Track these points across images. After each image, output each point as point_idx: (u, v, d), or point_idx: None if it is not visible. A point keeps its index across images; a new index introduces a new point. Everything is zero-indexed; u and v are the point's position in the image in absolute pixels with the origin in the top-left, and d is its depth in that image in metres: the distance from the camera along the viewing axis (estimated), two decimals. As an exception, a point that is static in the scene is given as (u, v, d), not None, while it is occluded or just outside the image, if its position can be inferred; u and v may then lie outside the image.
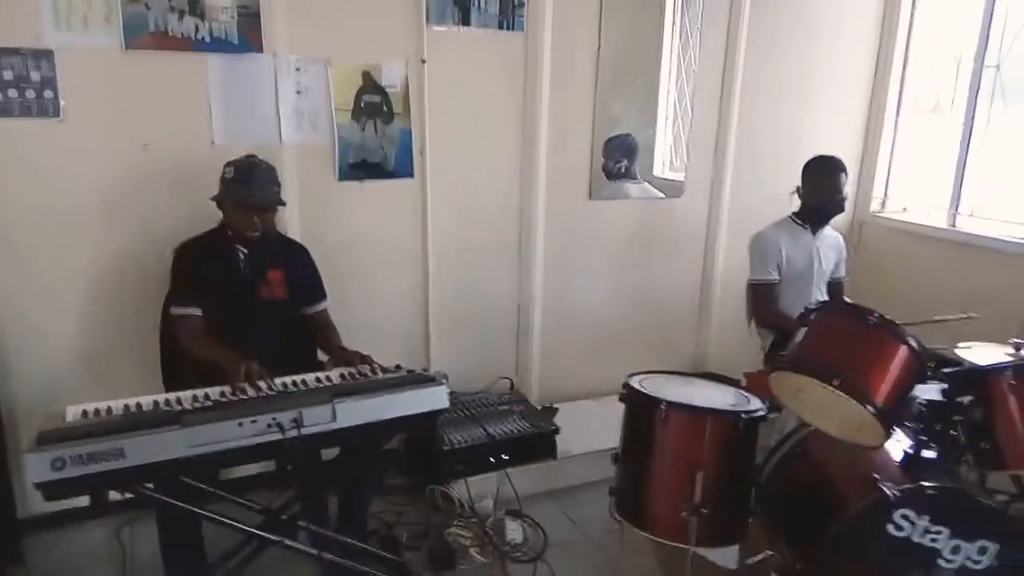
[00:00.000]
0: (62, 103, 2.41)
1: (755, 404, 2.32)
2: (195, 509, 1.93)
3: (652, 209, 3.67)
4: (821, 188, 2.98)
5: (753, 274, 3.07)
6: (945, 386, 2.11)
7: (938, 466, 2.07)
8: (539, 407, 3.39)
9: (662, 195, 3.71)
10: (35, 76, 2.34)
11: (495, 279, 3.35)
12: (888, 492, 1.94)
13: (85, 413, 1.88)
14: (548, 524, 2.84)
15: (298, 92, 2.74)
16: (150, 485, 1.84)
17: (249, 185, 2.30)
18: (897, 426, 2.03)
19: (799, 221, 3.07)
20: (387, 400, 2.03)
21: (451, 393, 3.16)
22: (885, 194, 4.23)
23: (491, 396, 3.27)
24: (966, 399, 2.07)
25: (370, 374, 2.22)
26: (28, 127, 2.40)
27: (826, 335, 2.06)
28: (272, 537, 2.10)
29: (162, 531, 2.14)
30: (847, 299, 3.16)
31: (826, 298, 3.16)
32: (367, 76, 2.85)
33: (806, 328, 2.09)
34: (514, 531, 2.74)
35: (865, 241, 4.24)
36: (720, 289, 3.81)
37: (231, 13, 2.57)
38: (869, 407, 1.90)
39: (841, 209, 3.03)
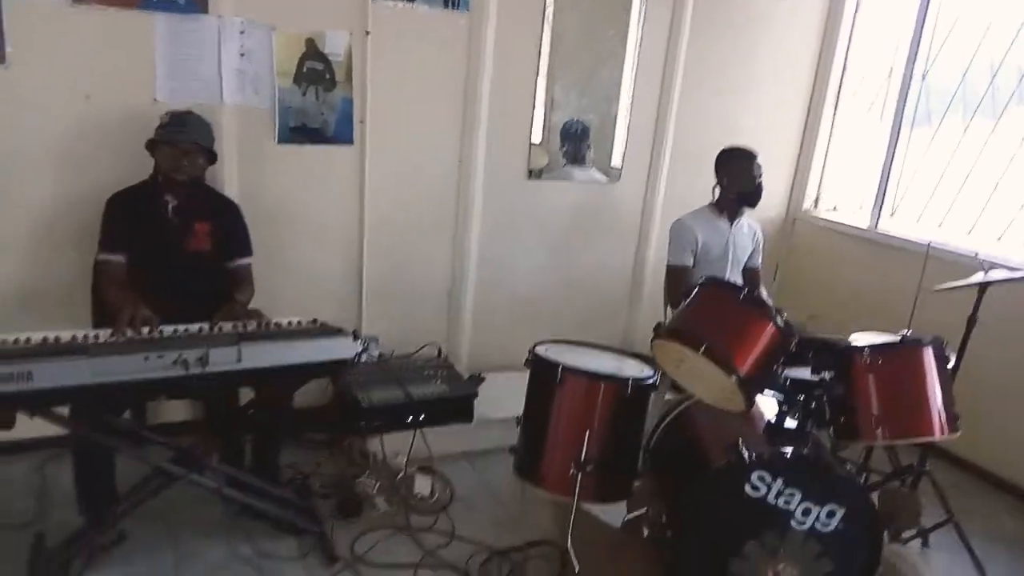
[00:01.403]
0: (8, 50, 2.51)
1: (646, 373, 2.50)
2: (93, 434, 2.06)
3: (590, 192, 3.82)
4: (738, 174, 3.10)
5: (670, 258, 3.23)
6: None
7: (799, 435, 2.25)
8: (467, 375, 3.54)
9: (605, 179, 3.87)
10: (-19, 22, 2.45)
11: (430, 249, 3.49)
12: (746, 453, 2.12)
13: (4, 341, 2.01)
14: (457, 481, 3.01)
15: (242, 55, 2.86)
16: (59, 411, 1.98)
17: (181, 128, 2.45)
18: (762, 395, 2.21)
19: (717, 210, 3.23)
20: (292, 346, 2.17)
21: (380, 355, 3.37)
22: (818, 193, 4.43)
23: (419, 360, 3.41)
24: (828, 375, 2.24)
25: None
26: (-26, 70, 2.50)
27: (701, 308, 2.23)
28: (175, 470, 2.23)
29: (75, 460, 2.28)
30: (762, 289, 3.35)
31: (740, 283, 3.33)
32: (311, 43, 2.97)
33: (686, 301, 2.27)
34: (422, 485, 2.90)
35: (797, 236, 4.44)
36: (652, 272, 3.98)
37: (177, -27, 2.68)
38: (732, 375, 2.08)
39: (758, 196, 3.15)
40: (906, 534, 2.75)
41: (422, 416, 3.06)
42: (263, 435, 2.61)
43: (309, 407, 3.13)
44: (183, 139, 2.44)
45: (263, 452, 2.63)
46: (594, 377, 2.41)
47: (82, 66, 2.63)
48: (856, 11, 4.12)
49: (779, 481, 2.13)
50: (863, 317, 3.41)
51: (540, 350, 2.58)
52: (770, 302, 3.12)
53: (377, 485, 2.83)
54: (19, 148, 2.63)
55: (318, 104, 3.03)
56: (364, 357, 3.28)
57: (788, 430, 2.26)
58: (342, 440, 3.13)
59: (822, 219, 4.35)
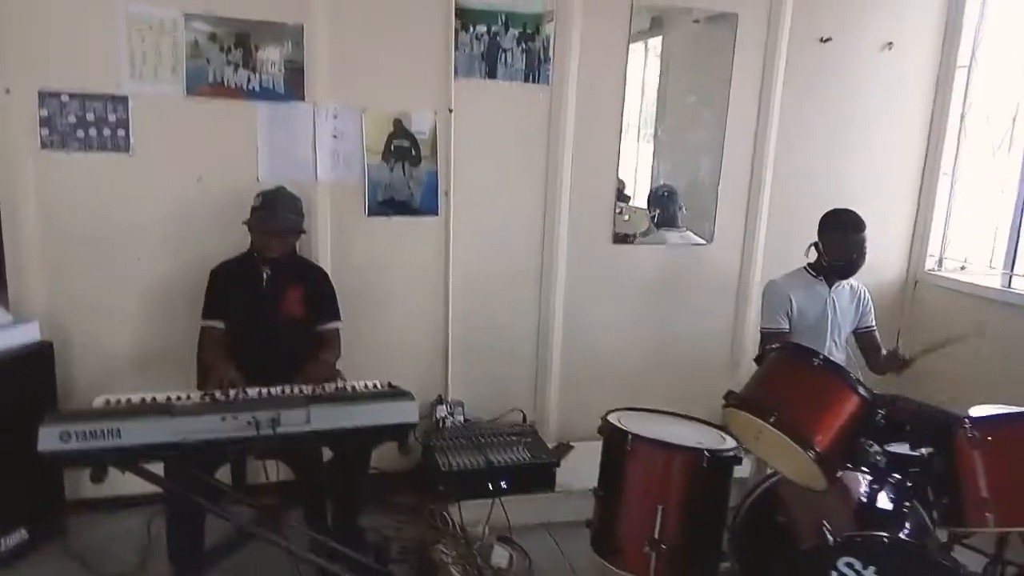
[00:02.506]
0: (132, 141, 2.84)
1: (727, 444, 2.35)
2: (181, 491, 2.19)
3: (682, 255, 3.73)
4: (836, 248, 2.94)
5: (763, 322, 3.08)
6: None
7: (894, 517, 2.03)
8: (553, 443, 3.49)
9: (702, 240, 3.78)
10: (112, 117, 2.80)
11: (515, 315, 3.52)
12: (829, 538, 1.93)
13: (107, 401, 2.21)
14: (536, 553, 2.92)
15: (334, 136, 3.08)
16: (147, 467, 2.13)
17: (270, 212, 2.65)
18: (844, 471, 2.02)
19: (813, 272, 3.05)
20: (358, 409, 2.23)
21: (465, 420, 3.40)
22: (942, 250, 4.09)
23: (503, 427, 3.41)
24: (927, 451, 2.02)
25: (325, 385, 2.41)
26: (106, 160, 2.85)
27: (774, 374, 2.09)
28: (255, 530, 2.32)
29: (167, 516, 2.43)
30: (882, 348, 3.11)
31: (842, 352, 3.10)
32: (398, 123, 3.15)
33: (759, 368, 2.13)
34: (500, 556, 2.83)
35: (919, 300, 4.09)
36: (751, 337, 3.78)
37: (279, 67, 2.95)
38: (809, 450, 1.92)
39: (855, 269, 2.97)
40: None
41: (502, 483, 3.04)
42: (342, 497, 2.67)
43: (398, 471, 3.18)
44: (272, 225, 2.65)
45: (343, 514, 2.68)
46: (667, 447, 2.30)
47: (195, 151, 2.94)
48: (974, 48, 3.84)
49: (871, 569, 1.92)
50: (995, 390, 3.06)
51: (613, 417, 2.50)
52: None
53: (454, 553, 2.80)
54: (138, 226, 2.94)
55: (405, 178, 3.19)
56: (449, 422, 3.38)
57: (881, 511, 2.03)
58: (424, 504, 3.14)
59: (947, 278, 3.98)
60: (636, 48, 3.48)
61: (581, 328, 3.61)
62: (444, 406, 3.38)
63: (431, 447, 3.18)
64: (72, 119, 2.77)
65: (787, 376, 2.07)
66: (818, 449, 1.91)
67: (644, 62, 3.58)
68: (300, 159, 3.04)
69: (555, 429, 3.62)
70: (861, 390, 1.96)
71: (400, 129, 3.16)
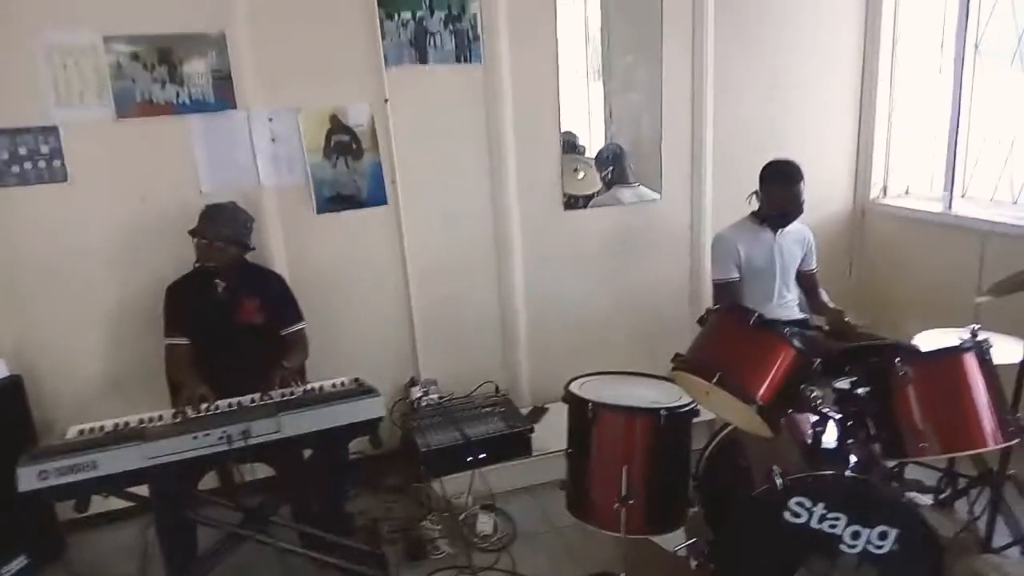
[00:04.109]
0: (69, 169, 2.84)
1: (684, 400, 2.46)
2: (164, 508, 2.27)
3: (634, 214, 3.80)
4: (777, 198, 3.03)
5: (714, 273, 3.18)
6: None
7: (838, 455, 2.16)
8: (527, 408, 3.60)
9: (655, 196, 3.85)
10: (44, 149, 2.79)
11: (476, 291, 3.59)
12: (779, 480, 2.06)
13: (81, 432, 2.29)
14: (520, 517, 3.07)
15: (273, 139, 3.08)
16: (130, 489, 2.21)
17: (205, 223, 2.71)
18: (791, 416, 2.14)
19: (757, 220, 3.14)
20: (326, 411, 2.32)
21: (439, 398, 3.49)
22: (885, 178, 4.19)
23: (477, 399, 3.51)
24: (864, 391, 2.14)
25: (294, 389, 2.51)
26: (46, 192, 2.85)
27: (714, 335, 2.19)
28: (243, 532, 2.43)
29: (157, 527, 2.52)
30: (822, 292, 3.23)
31: (792, 293, 3.22)
32: (335, 119, 3.16)
33: (702, 329, 2.23)
34: (484, 523, 2.97)
35: (868, 228, 4.21)
36: (709, 287, 3.88)
37: (206, 78, 2.94)
38: (751, 404, 2.03)
39: (796, 216, 3.07)
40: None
41: (481, 455, 3.15)
42: (325, 489, 2.77)
43: (383, 453, 3.27)
44: (208, 234, 2.70)
45: (329, 504, 2.79)
46: (625, 411, 2.41)
47: (134, 173, 2.93)
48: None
49: (820, 506, 2.06)
50: (941, 310, 3.21)
51: (574, 386, 2.60)
52: (831, 305, 3.09)
53: (440, 527, 2.93)
54: (87, 250, 2.95)
55: (349, 172, 3.22)
56: (424, 401, 3.48)
57: (826, 451, 2.17)
58: (409, 483, 3.26)
59: (892, 206, 4.10)
60: (576, 6, 3.49)
61: (542, 295, 3.70)
62: (418, 387, 3.47)
63: (409, 428, 3.28)
64: (5, 155, 2.75)
65: (726, 336, 2.17)
66: (760, 402, 2.02)
67: (585, 14, 3.57)
68: (241, 167, 3.05)
69: (528, 394, 3.74)
70: (795, 343, 2.06)
71: (338, 124, 3.16)
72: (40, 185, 2.82)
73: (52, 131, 2.79)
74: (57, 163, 2.81)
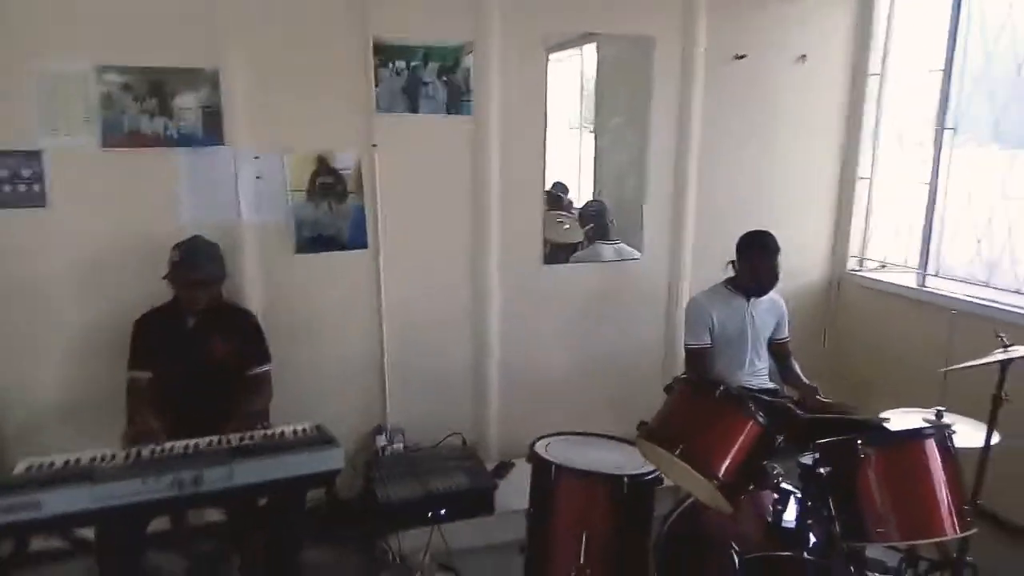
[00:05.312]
0: (48, 195, 2.82)
1: (649, 467, 2.44)
2: (109, 555, 2.20)
3: (611, 270, 3.82)
4: (754, 270, 3.06)
5: (687, 339, 3.19)
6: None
7: (797, 535, 2.14)
8: (493, 464, 3.55)
9: (636, 255, 3.88)
10: (26, 172, 2.78)
11: (450, 341, 3.57)
12: (736, 559, 2.04)
13: (30, 467, 2.22)
14: (477, 578, 2.99)
15: (258, 177, 3.09)
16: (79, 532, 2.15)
17: (191, 264, 2.67)
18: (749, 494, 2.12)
19: (731, 288, 3.16)
20: (283, 460, 2.27)
21: (405, 447, 3.44)
22: (862, 251, 4.25)
23: (443, 451, 3.46)
24: (824, 470, 2.13)
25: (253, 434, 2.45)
26: (21, 215, 2.83)
27: (678, 406, 2.18)
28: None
29: (100, 569, 2.44)
30: (794, 363, 3.24)
31: (764, 362, 3.23)
32: (322, 160, 3.18)
33: (668, 398, 2.23)
34: (439, 584, 2.91)
35: (844, 299, 4.26)
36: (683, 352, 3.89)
37: (196, 113, 2.95)
38: (712, 480, 2.02)
39: (767, 291, 3.12)
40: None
41: (441, 511, 3.09)
42: (278, 539, 2.70)
43: (341, 501, 3.21)
44: (195, 276, 2.68)
45: (280, 555, 2.71)
46: (588, 476, 2.38)
47: (113, 202, 2.92)
48: (884, 56, 3.99)
49: (774, 588, 2.03)
50: (910, 385, 3.22)
51: (540, 446, 2.57)
52: (805, 380, 3.09)
53: (394, 586, 2.86)
54: (58, 276, 2.92)
55: (332, 214, 3.22)
56: (389, 451, 3.43)
57: (785, 530, 2.15)
58: (366, 535, 3.19)
59: (868, 279, 4.14)
60: (573, 61, 3.58)
61: (517, 348, 3.68)
62: (383, 435, 3.42)
63: (371, 478, 3.22)
64: (-15, 176, 2.75)
65: (691, 407, 2.16)
66: (721, 477, 2.00)
67: (581, 68, 3.67)
68: (223, 202, 3.05)
69: (496, 448, 3.69)
70: (760, 418, 2.06)
71: (324, 166, 3.18)
72: (17, 209, 2.80)
73: (36, 156, 2.78)
74: (37, 187, 2.80)
